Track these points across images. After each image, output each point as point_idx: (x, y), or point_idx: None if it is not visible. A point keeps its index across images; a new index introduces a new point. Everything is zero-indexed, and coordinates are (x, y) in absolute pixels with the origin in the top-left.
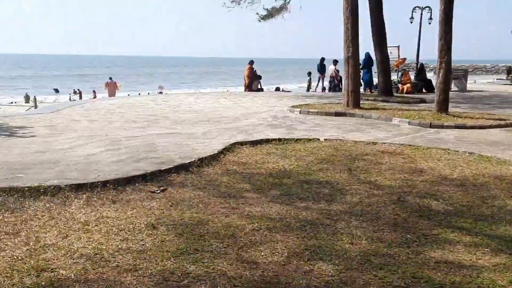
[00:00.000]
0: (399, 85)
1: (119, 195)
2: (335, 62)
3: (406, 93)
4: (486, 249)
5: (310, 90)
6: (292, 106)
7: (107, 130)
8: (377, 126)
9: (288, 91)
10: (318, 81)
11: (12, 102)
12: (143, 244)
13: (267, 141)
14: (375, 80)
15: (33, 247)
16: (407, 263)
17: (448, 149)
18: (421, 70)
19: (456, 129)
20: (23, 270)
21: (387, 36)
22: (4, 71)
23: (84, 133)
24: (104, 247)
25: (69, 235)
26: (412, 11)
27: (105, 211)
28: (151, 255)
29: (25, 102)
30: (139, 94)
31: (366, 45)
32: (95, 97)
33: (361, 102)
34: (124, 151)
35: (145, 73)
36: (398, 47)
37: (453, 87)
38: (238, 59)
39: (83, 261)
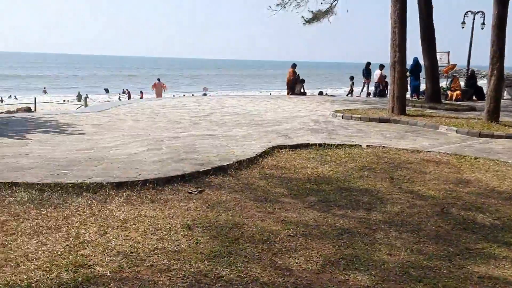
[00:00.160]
0: (448, 92)
1: (158, 195)
2: (381, 66)
3: (455, 100)
4: None
5: (354, 95)
6: (335, 111)
7: (150, 130)
8: (423, 133)
9: (331, 96)
10: (363, 86)
11: (64, 100)
12: (178, 245)
13: (307, 145)
14: (423, 86)
15: (72, 242)
16: (448, 277)
17: (497, 160)
18: (471, 76)
19: (506, 139)
20: (61, 265)
21: (436, 41)
22: (60, 70)
23: (129, 132)
24: (141, 246)
25: (107, 232)
26: (464, 16)
27: (143, 210)
28: (185, 256)
29: (78, 101)
30: (184, 95)
31: (414, 50)
32: (141, 97)
33: (407, 109)
34: (165, 151)
35: (191, 75)
36: (448, 52)
37: (505, 95)
38: (283, 62)
39: (119, 259)
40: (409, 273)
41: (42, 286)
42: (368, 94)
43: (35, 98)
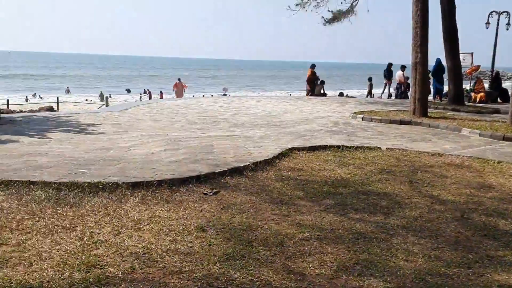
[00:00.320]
0: (472, 94)
1: (173, 195)
2: (403, 67)
3: (479, 102)
4: None
5: (376, 96)
6: (355, 112)
7: (168, 130)
8: (445, 136)
9: (352, 97)
10: (384, 87)
11: (86, 100)
12: (191, 247)
13: (325, 147)
14: (446, 88)
15: (86, 242)
16: (467, 285)
17: None
18: (496, 78)
19: None
20: (74, 265)
21: (459, 42)
22: (83, 70)
23: (147, 132)
24: (153, 247)
25: (121, 232)
26: (488, 16)
27: (158, 210)
28: (197, 258)
29: (100, 100)
30: (203, 95)
31: (436, 51)
32: (161, 97)
33: (429, 111)
34: (182, 151)
35: (212, 75)
36: (472, 53)
37: None
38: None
39: (131, 260)
40: (426, 280)
41: (53, 285)
42: (390, 95)
43: (57, 98)
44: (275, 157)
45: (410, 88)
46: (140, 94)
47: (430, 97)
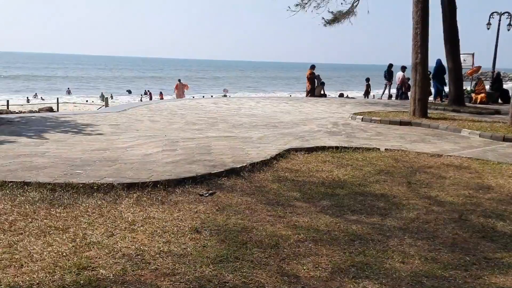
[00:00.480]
0: (473, 95)
1: (168, 196)
2: (403, 68)
3: (480, 103)
4: None
5: (376, 97)
6: (354, 113)
7: (167, 131)
8: (444, 137)
9: (352, 98)
10: (385, 88)
11: (87, 101)
12: (184, 248)
13: (324, 148)
14: (447, 89)
15: (78, 244)
16: None
17: None
18: (497, 79)
19: None
20: (65, 267)
21: (460, 43)
22: (84, 71)
23: (145, 133)
24: (147, 249)
25: (114, 234)
26: (490, 17)
27: (152, 212)
28: (191, 260)
29: (101, 101)
30: (203, 96)
31: (437, 51)
32: (161, 98)
33: (429, 112)
34: (179, 152)
35: (213, 76)
36: (473, 54)
37: None
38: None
39: (123, 262)
40: (422, 283)
41: None
42: (390, 96)
43: (57, 99)
44: (272, 158)
45: (410, 89)
46: (141, 95)
47: (431, 98)
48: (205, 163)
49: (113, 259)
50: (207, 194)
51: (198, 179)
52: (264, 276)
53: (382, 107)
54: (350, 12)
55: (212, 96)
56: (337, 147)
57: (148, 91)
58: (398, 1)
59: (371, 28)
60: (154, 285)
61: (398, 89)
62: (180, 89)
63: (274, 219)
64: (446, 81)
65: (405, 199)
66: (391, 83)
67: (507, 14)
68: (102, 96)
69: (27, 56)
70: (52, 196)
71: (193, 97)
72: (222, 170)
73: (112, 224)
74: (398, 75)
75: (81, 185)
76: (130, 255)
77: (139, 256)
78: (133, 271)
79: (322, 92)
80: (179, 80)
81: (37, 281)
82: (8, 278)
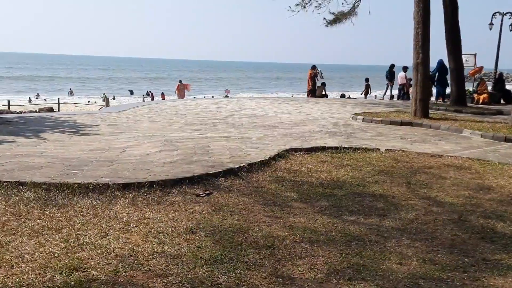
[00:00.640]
0: (475, 95)
1: (164, 197)
2: (405, 68)
3: (482, 103)
4: None
5: (378, 98)
6: (355, 114)
7: (166, 131)
8: (446, 137)
9: (353, 98)
10: (386, 88)
11: (89, 101)
12: (178, 249)
13: (323, 149)
14: (449, 90)
15: (71, 244)
16: None
17: None
18: (499, 79)
19: None
20: (56, 268)
21: (462, 43)
22: (87, 72)
23: (144, 133)
24: (140, 249)
25: (108, 234)
26: (492, 17)
27: (148, 212)
28: (184, 261)
29: (103, 102)
30: (204, 97)
31: (438, 51)
32: (163, 98)
33: (430, 112)
34: (178, 152)
35: (215, 77)
36: (475, 55)
37: None
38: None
39: (116, 263)
40: (419, 285)
41: None
42: (392, 97)
43: (58, 99)
44: (271, 158)
45: (412, 89)
46: (143, 95)
47: (433, 99)
48: (203, 163)
49: (106, 260)
50: (203, 195)
51: (195, 180)
52: (258, 277)
53: (383, 108)
54: (351, 12)
55: (213, 97)
56: (336, 148)
57: (150, 91)
58: (399, 1)
59: (373, 28)
60: (145, 287)
61: (399, 90)
62: (182, 90)
63: (271, 219)
64: (448, 81)
65: (404, 200)
66: (393, 84)
67: (509, 14)
68: (104, 97)
69: (29, 57)
70: (47, 196)
71: (194, 97)
72: (220, 170)
73: (106, 225)
74: (400, 76)
75: (76, 185)
76: (123, 256)
77: (132, 257)
78: (125, 272)
79: (323, 93)
80: (180, 81)
81: (26, 282)
82: None
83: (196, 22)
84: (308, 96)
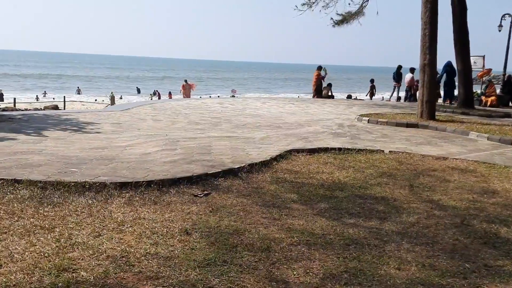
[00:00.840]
0: (483, 98)
1: (161, 196)
2: (412, 70)
3: (490, 106)
4: None
5: (385, 99)
6: (361, 115)
7: (168, 130)
8: (451, 140)
9: (360, 99)
10: (393, 90)
11: (96, 100)
12: (172, 251)
13: (326, 150)
14: (456, 91)
15: (63, 244)
16: None
17: None
18: (508, 82)
19: None
20: (45, 268)
21: (470, 44)
22: (95, 71)
23: (147, 132)
24: (133, 250)
25: (101, 234)
26: (501, 19)
27: (143, 212)
28: (177, 263)
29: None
30: (210, 96)
31: (446, 53)
32: (170, 98)
33: (437, 114)
34: (179, 151)
35: (223, 77)
36: (483, 56)
37: None
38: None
39: (107, 264)
40: None
41: None
42: (399, 98)
43: (64, 97)
44: (272, 159)
45: (418, 91)
46: (150, 95)
47: (440, 100)
48: (203, 163)
49: (97, 260)
50: (202, 195)
51: (194, 179)
52: (252, 281)
53: (389, 109)
54: (358, 12)
55: (218, 96)
56: (340, 149)
57: (157, 91)
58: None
59: (380, 29)
60: None
61: (406, 91)
62: (187, 89)
63: (269, 221)
64: (456, 83)
65: (406, 203)
66: (400, 85)
67: None
68: (111, 95)
69: (31, 55)
70: (42, 195)
71: (200, 97)
72: (220, 170)
73: (100, 224)
74: (407, 77)
75: (72, 184)
76: (115, 257)
77: (123, 258)
78: (115, 273)
79: (329, 93)
80: (186, 81)
81: (14, 283)
82: None
83: (198, 22)
84: (314, 97)
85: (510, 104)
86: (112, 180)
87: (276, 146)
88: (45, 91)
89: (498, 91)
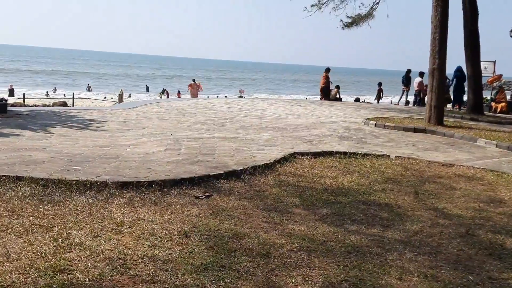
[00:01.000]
0: (493, 104)
1: (162, 197)
2: (421, 74)
3: (500, 112)
4: None
5: (392, 102)
6: (368, 118)
7: (174, 130)
8: (459, 146)
9: (368, 103)
10: (402, 94)
11: (105, 97)
12: (169, 254)
13: (331, 153)
14: (465, 97)
15: (60, 244)
16: None
17: None
18: None
19: None
20: (41, 268)
21: (481, 49)
22: (107, 68)
23: (152, 131)
24: (130, 252)
25: (100, 235)
26: None
27: (143, 213)
28: (173, 267)
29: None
30: (217, 96)
31: (456, 57)
32: (179, 97)
33: (445, 119)
34: (183, 152)
35: (232, 77)
36: (494, 62)
37: None
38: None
39: (103, 265)
40: None
41: None
42: (407, 102)
43: (73, 94)
44: (276, 162)
45: (427, 95)
46: (160, 93)
47: (449, 106)
48: (207, 164)
49: (93, 262)
50: (203, 197)
51: (196, 181)
52: (249, 287)
53: (397, 113)
54: (368, 15)
55: (226, 96)
56: (345, 153)
57: (166, 89)
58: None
59: (389, 32)
60: None
61: (415, 95)
62: (194, 89)
63: (269, 226)
64: (466, 88)
65: (410, 210)
66: (409, 89)
67: None
68: (121, 93)
69: (40, 50)
70: (43, 192)
71: (208, 96)
72: (222, 172)
73: (99, 225)
74: (416, 81)
75: (74, 182)
76: (112, 259)
77: (120, 260)
78: (111, 276)
79: (337, 96)
80: (194, 80)
81: (8, 283)
82: None
83: (208, 22)
84: (321, 99)
85: None
86: (114, 180)
87: (281, 148)
88: (55, 87)
89: (508, 97)
